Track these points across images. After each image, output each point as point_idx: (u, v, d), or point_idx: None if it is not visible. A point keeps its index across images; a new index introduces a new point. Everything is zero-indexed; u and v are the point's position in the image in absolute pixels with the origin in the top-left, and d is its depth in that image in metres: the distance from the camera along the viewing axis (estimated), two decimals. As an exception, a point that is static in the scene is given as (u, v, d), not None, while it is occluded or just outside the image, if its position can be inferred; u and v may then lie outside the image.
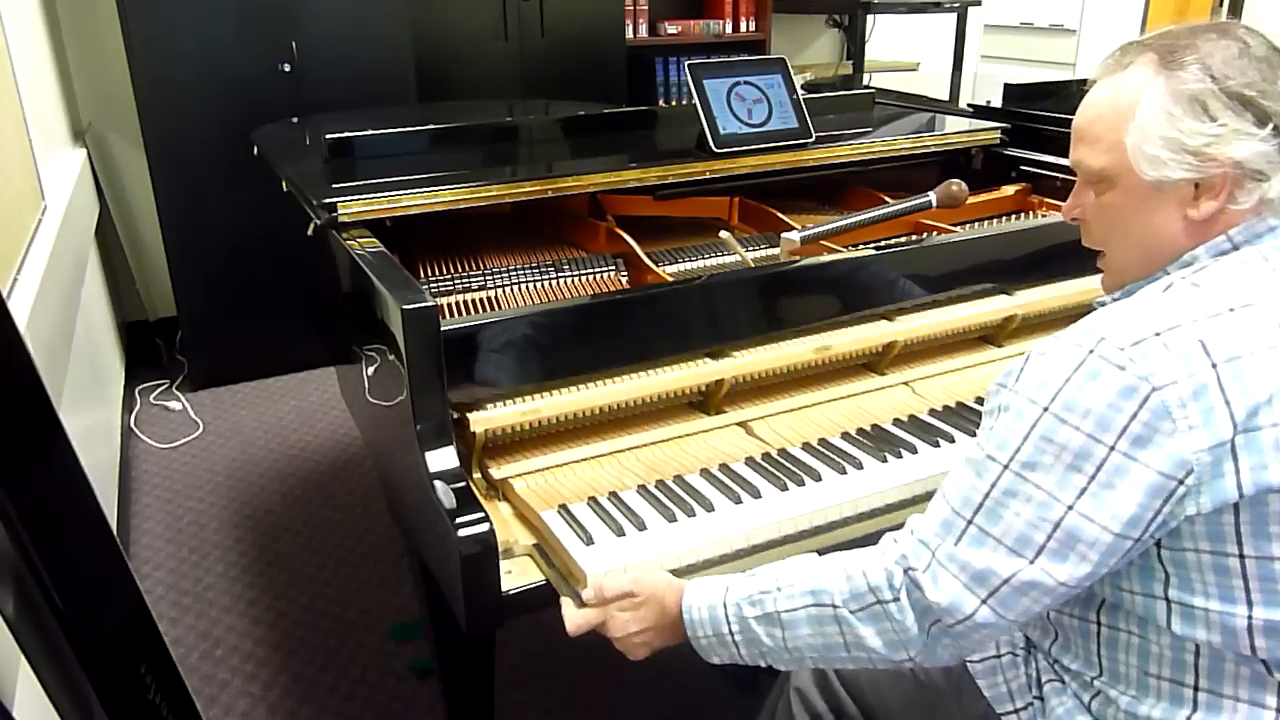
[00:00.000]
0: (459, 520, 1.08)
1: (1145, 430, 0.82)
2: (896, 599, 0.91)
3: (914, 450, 1.33)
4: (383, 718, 1.88)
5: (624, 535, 1.15)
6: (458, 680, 1.60)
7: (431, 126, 1.91)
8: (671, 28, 4.19)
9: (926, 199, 1.74)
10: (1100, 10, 5.07)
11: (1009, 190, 1.94)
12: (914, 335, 1.52)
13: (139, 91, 3.01)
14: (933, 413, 1.43)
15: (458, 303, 1.53)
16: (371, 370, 1.45)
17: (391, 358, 1.24)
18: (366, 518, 2.56)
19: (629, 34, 4.02)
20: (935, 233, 1.70)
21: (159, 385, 3.37)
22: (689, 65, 1.70)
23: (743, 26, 4.34)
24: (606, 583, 1.07)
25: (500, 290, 1.56)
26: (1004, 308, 1.59)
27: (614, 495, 1.23)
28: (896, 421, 1.41)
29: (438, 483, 1.13)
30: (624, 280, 1.61)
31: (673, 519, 1.19)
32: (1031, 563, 0.85)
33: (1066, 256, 1.67)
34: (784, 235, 1.63)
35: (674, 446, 1.35)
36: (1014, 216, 1.88)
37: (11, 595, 0.86)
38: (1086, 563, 0.85)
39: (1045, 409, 0.86)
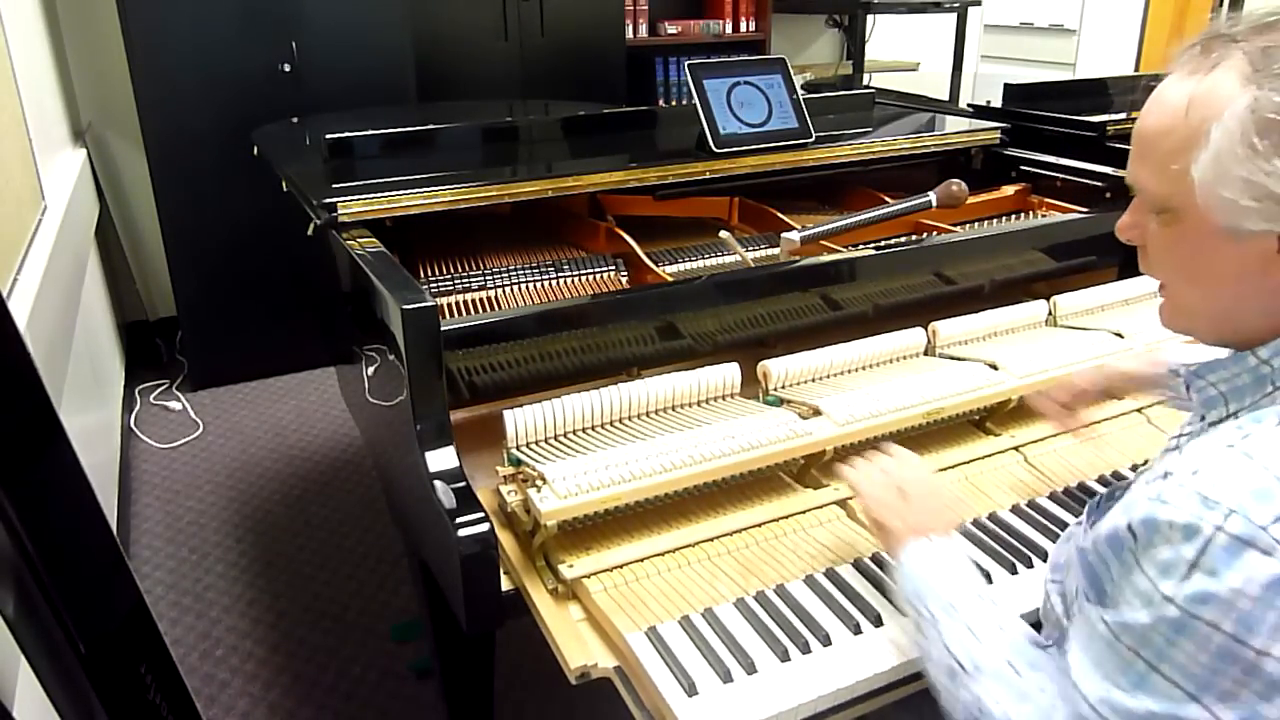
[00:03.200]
0: (459, 520, 1.08)
1: None
2: None
3: (1044, 556, 1.16)
4: (383, 718, 1.88)
5: (731, 681, 0.98)
6: (458, 680, 1.61)
7: (431, 126, 1.91)
8: (671, 28, 4.19)
9: (926, 199, 1.74)
10: (1100, 10, 5.07)
11: (1009, 190, 1.94)
12: (1027, 390, 1.38)
13: (139, 91, 3.02)
14: (1054, 498, 1.29)
15: (458, 303, 1.53)
16: (371, 370, 1.45)
17: (391, 358, 1.24)
18: (366, 518, 2.56)
19: (629, 34, 4.02)
20: (935, 233, 1.70)
21: (159, 385, 3.38)
22: (689, 65, 1.70)
23: (743, 26, 4.34)
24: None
25: (500, 290, 1.56)
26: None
27: (710, 613, 1.06)
28: (1016, 510, 1.26)
29: (438, 483, 1.13)
30: (624, 280, 1.61)
31: (785, 657, 1.01)
32: None
33: (1069, 256, 1.68)
34: (784, 235, 1.63)
35: (768, 535, 1.19)
36: (1014, 216, 1.88)
37: (11, 595, 0.86)
38: None
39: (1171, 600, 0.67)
